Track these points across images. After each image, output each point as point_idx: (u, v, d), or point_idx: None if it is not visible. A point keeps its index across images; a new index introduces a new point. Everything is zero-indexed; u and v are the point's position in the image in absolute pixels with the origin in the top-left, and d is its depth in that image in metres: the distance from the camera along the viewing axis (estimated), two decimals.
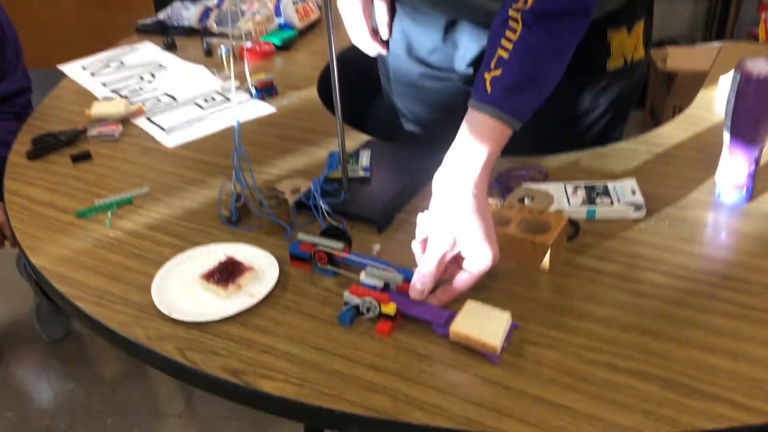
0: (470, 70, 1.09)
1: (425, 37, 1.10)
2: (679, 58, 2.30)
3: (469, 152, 0.75)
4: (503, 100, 0.74)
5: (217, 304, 0.77)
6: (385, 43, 1.16)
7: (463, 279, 0.75)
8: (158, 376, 1.82)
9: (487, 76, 0.75)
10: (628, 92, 1.11)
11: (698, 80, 1.25)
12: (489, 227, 0.74)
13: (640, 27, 1.06)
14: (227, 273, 0.79)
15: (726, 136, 0.88)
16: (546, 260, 0.79)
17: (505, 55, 0.75)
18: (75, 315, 0.81)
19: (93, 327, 0.78)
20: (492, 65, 0.75)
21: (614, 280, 0.78)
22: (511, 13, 0.75)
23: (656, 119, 2.39)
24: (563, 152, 1.03)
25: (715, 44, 1.43)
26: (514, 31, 0.75)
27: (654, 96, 2.43)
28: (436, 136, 1.19)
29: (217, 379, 0.69)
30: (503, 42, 0.75)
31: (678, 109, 2.23)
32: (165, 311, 0.75)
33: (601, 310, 0.74)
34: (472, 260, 0.75)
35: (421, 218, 0.78)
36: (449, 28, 1.07)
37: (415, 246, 0.78)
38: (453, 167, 0.76)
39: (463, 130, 0.76)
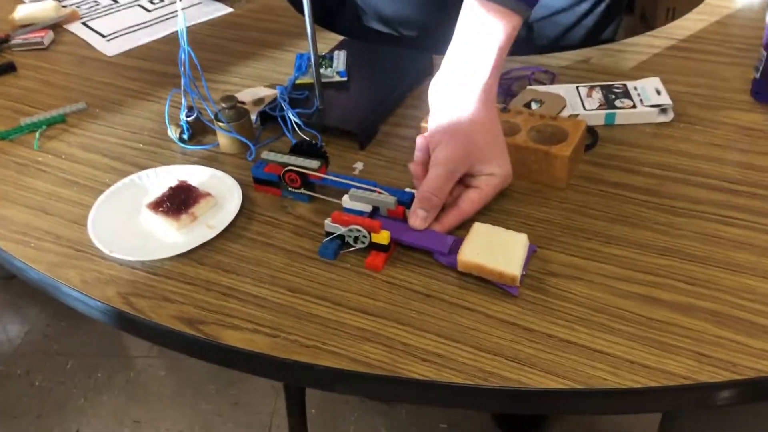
0: None
1: None
2: None
3: (474, 51, 0.64)
4: None
5: (167, 239, 0.69)
6: None
7: (472, 199, 0.65)
8: None
9: None
10: None
11: None
12: (502, 138, 0.66)
13: None
14: (179, 201, 0.71)
15: None
16: (563, 174, 0.68)
17: None
18: None
19: (16, 270, 0.68)
20: None
21: (643, 195, 0.68)
22: None
23: (647, 25, 2.25)
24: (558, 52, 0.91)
25: None
26: None
27: None
28: (408, 34, 1.07)
29: (170, 331, 0.59)
30: None
31: (672, 13, 2.08)
32: (104, 249, 0.67)
33: (632, 233, 0.64)
34: (483, 177, 0.65)
35: (421, 139, 0.68)
36: None
37: (415, 168, 0.68)
38: (455, 71, 0.65)
39: (464, 26, 0.66)
